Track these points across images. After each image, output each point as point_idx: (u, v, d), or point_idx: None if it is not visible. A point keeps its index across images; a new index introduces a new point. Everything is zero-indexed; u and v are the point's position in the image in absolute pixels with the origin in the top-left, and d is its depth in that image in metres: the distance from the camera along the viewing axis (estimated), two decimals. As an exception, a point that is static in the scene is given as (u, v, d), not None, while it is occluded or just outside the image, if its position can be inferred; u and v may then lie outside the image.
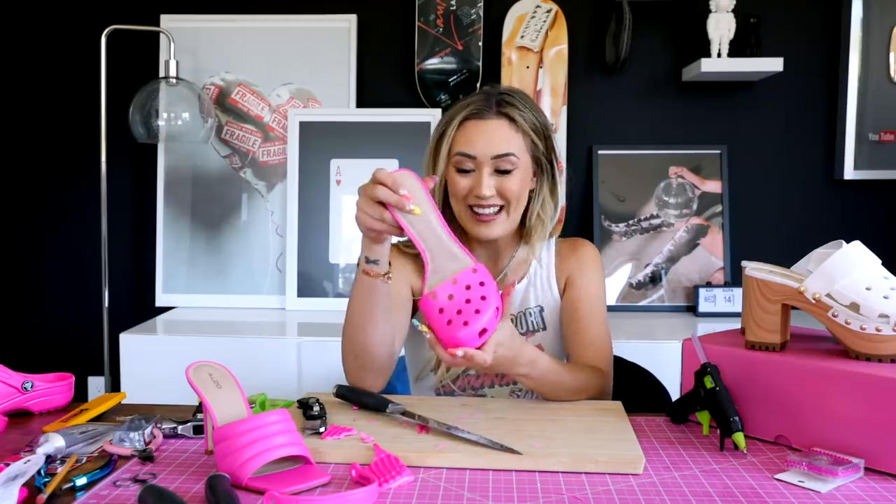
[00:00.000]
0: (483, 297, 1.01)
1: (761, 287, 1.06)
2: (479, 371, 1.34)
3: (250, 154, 2.51)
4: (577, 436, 1.01)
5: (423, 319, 1.06)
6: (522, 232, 1.35)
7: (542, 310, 1.36)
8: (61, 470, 0.90)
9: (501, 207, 1.26)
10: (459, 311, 1.01)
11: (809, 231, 2.48)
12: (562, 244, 1.40)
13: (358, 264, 1.16)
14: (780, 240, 2.48)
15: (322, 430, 1.01)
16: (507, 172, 1.24)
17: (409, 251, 1.34)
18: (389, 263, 1.15)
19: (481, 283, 1.02)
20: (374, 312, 1.17)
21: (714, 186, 2.45)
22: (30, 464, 0.85)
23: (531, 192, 1.31)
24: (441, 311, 1.02)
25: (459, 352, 0.98)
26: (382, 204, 1.04)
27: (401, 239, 1.32)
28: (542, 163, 1.30)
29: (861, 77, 2.40)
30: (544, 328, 1.35)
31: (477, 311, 1.00)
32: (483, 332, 1.00)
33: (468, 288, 1.02)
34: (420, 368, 1.38)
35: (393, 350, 1.24)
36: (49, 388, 1.18)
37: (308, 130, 2.46)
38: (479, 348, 1.00)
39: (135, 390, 1.65)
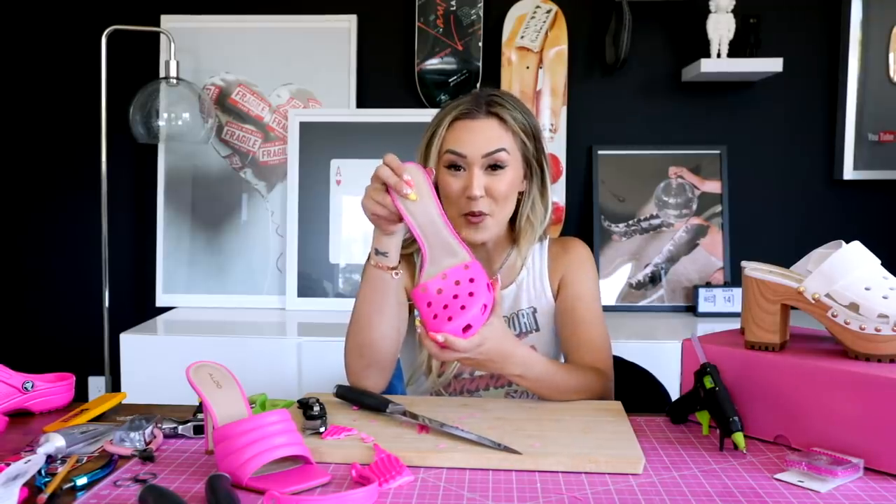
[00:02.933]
0: (471, 294, 1.02)
1: (761, 287, 1.06)
2: (472, 374, 1.34)
3: (250, 154, 2.51)
4: (576, 436, 1.01)
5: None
6: (514, 235, 1.35)
7: (534, 311, 1.35)
8: (62, 470, 0.90)
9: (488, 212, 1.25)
10: (446, 306, 1.02)
11: (809, 231, 2.48)
12: (554, 244, 1.40)
13: (368, 259, 1.19)
14: (780, 240, 2.48)
15: (322, 430, 1.01)
16: (497, 169, 1.24)
17: (403, 251, 1.35)
18: (400, 260, 1.18)
19: (471, 280, 1.03)
20: (382, 308, 1.19)
21: (714, 186, 2.45)
22: (30, 464, 0.85)
23: (521, 194, 1.31)
24: (429, 304, 1.03)
25: (440, 337, 1.00)
26: (388, 191, 1.09)
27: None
28: (532, 164, 1.30)
29: (861, 77, 2.40)
30: (537, 329, 1.35)
31: (462, 307, 1.01)
32: (468, 328, 1.01)
33: (457, 283, 1.03)
34: (412, 371, 1.38)
35: (397, 348, 1.25)
36: (49, 388, 1.18)
37: (308, 130, 2.47)
38: None
39: (135, 390, 1.65)
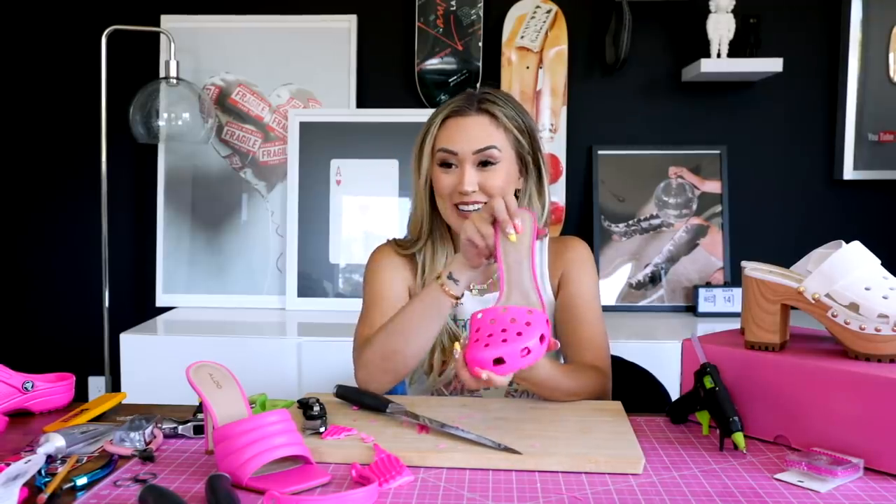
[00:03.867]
0: (519, 333, 0.99)
1: (761, 287, 1.06)
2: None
3: (250, 154, 2.51)
4: (576, 436, 1.01)
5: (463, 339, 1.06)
6: None
7: None
8: (62, 470, 0.90)
9: (485, 204, 1.26)
10: (490, 335, 1.00)
11: (809, 231, 2.48)
12: (554, 243, 1.40)
13: (437, 278, 1.18)
14: (780, 240, 2.48)
15: (322, 430, 1.01)
16: (489, 165, 1.25)
17: (404, 252, 1.36)
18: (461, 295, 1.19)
19: (527, 323, 1.00)
20: (427, 329, 1.20)
21: (714, 186, 2.45)
22: (30, 464, 0.85)
23: (518, 192, 1.32)
24: (477, 329, 1.02)
25: (484, 374, 0.97)
26: (494, 225, 1.11)
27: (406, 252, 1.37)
28: (528, 162, 1.30)
29: (861, 77, 2.40)
30: None
31: (504, 341, 0.98)
32: (500, 361, 0.97)
33: (512, 320, 1.01)
34: (413, 371, 1.38)
35: (419, 364, 1.27)
36: (49, 388, 1.18)
37: (308, 130, 2.47)
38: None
39: (135, 390, 1.65)
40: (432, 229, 1.34)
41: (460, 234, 1.15)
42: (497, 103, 1.27)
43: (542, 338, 0.99)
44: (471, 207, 1.25)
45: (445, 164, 1.26)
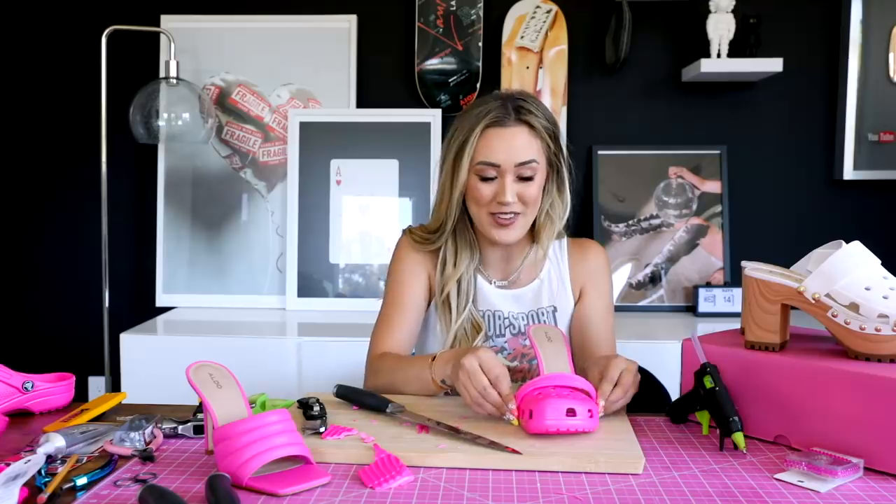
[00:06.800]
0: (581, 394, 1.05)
1: (761, 287, 1.06)
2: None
3: (250, 154, 2.51)
4: (576, 436, 1.01)
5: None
6: (533, 232, 1.37)
7: (555, 310, 1.38)
8: (62, 470, 0.90)
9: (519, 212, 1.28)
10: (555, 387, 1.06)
11: (809, 231, 2.48)
12: (573, 247, 1.42)
13: (432, 370, 1.19)
14: (780, 240, 2.48)
15: (322, 430, 1.01)
16: (528, 179, 1.26)
17: (426, 247, 1.36)
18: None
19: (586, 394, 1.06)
20: (417, 390, 1.22)
21: (714, 186, 2.45)
22: (30, 464, 0.85)
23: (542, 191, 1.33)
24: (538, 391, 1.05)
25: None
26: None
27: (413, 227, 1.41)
28: (553, 162, 1.32)
29: (861, 77, 2.40)
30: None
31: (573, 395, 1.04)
32: (571, 411, 1.01)
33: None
34: None
35: None
36: (49, 388, 1.18)
37: (308, 130, 2.47)
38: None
39: (135, 390, 1.65)
40: (456, 231, 1.35)
41: (463, 394, 1.09)
42: (532, 111, 1.27)
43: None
44: (507, 215, 1.26)
45: (485, 176, 1.27)
